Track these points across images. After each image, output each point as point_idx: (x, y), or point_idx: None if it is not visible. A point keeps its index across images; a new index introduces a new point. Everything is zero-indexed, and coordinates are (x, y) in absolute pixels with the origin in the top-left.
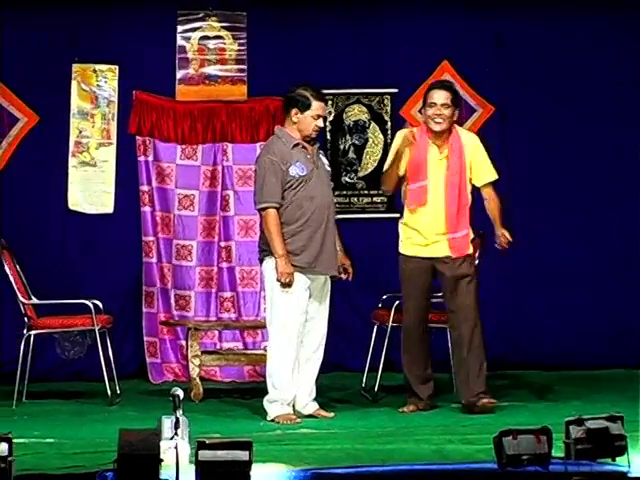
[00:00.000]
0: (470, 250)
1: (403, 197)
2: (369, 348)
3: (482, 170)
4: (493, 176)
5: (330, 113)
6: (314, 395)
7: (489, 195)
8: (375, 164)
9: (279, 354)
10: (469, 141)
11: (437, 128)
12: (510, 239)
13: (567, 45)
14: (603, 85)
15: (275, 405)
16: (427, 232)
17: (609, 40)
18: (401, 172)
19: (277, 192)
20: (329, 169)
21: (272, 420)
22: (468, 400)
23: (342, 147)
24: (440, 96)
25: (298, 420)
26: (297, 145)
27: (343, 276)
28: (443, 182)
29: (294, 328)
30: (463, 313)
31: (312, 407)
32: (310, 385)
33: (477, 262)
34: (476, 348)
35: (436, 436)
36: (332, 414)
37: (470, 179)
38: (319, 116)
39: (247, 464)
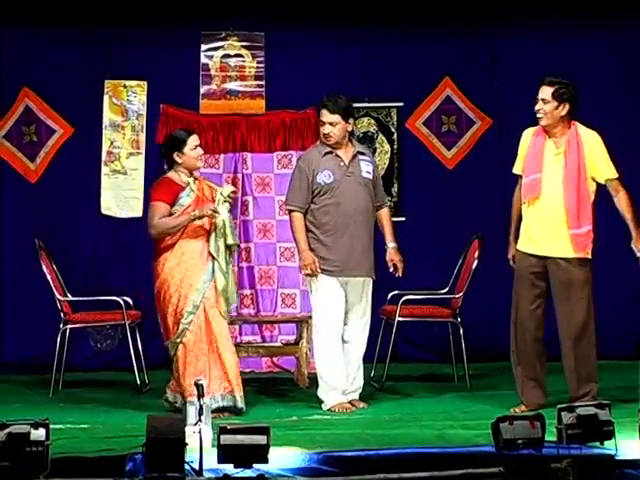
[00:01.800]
0: (589, 254)
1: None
2: (377, 341)
3: (600, 167)
4: (612, 174)
5: None
6: (357, 386)
7: (615, 192)
8: (382, 172)
9: (321, 351)
10: (588, 138)
11: (540, 123)
12: None
13: (560, 61)
14: (595, 99)
15: (330, 395)
16: (544, 226)
17: (601, 56)
18: (519, 171)
19: (300, 197)
20: (368, 175)
21: (328, 409)
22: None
23: None
24: (541, 91)
25: (353, 408)
26: (329, 153)
27: (393, 272)
28: (561, 177)
29: (330, 327)
30: (571, 324)
31: (350, 397)
32: (351, 377)
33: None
34: (581, 360)
35: (438, 422)
36: (364, 404)
37: (593, 177)
38: (323, 122)
39: (265, 447)
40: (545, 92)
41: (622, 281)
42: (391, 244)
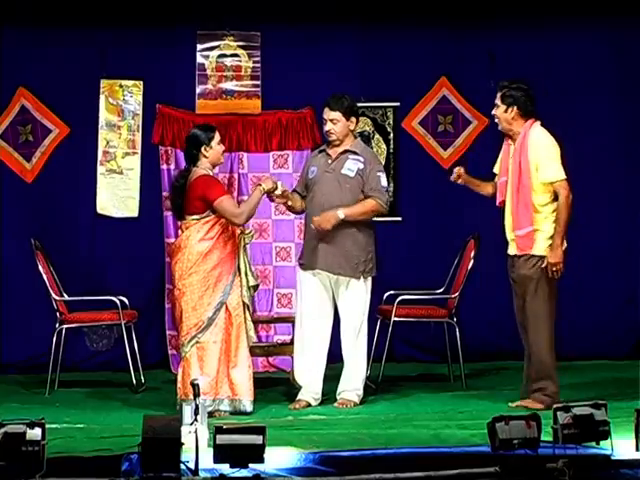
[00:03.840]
0: (536, 250)
1: None
2: (373, 341)
3: (540, 168)
4: (550, 177)
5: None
6: (345, 388)
7: (558, 195)
8: None
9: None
10: (533, 140)
11: (499, 127)
12: (552, 263)
13: (557, 61)
14: (593, 99)
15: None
16: (507, 226)
17: (600, 56)
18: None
19: (297, 185)
20: (349, 173)
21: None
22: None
23: None
24: (496, 96)
25: (302, 404)
26: (322, 151)
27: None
28: (511, 179)
29: (299, 320)
30: (526, 319)
31: (342, 395)
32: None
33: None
34: (533, 357)
35: (434, 422)
36: (352, 403)
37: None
38: (325, 120)
39: (261, 447)
40: (497, 96)
41: (617, 282)
42: (337, 210)
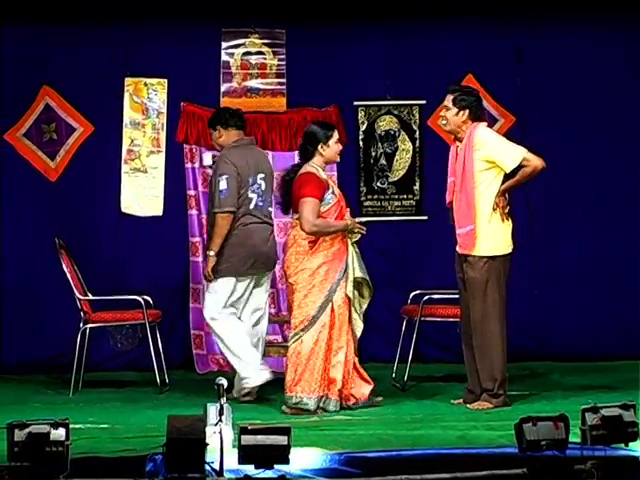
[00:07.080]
0: (482, 251)
1: None
2: (399, 341)
3: (503, 161)
4: (515, 161)
5: (363, 123)
6: None
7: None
8: (404, 170)
9: None
10: (479, 139)
11: (444, 129)
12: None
13: (583, 58)
14: (617, 95)
15: None
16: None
17: (624, 54)
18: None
19: None
20: None
21: None
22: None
23: (374, 154)
24: (445, 99)
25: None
26: None
27: None
28: (457, 179)
29: None
30: (472, 321)
31: None
32: None
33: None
34: (481, 359)
35: (461, 423)
36: None
37: (496, 174)
38: None
39: (286, 448)
40: (447, 99)
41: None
42: None
